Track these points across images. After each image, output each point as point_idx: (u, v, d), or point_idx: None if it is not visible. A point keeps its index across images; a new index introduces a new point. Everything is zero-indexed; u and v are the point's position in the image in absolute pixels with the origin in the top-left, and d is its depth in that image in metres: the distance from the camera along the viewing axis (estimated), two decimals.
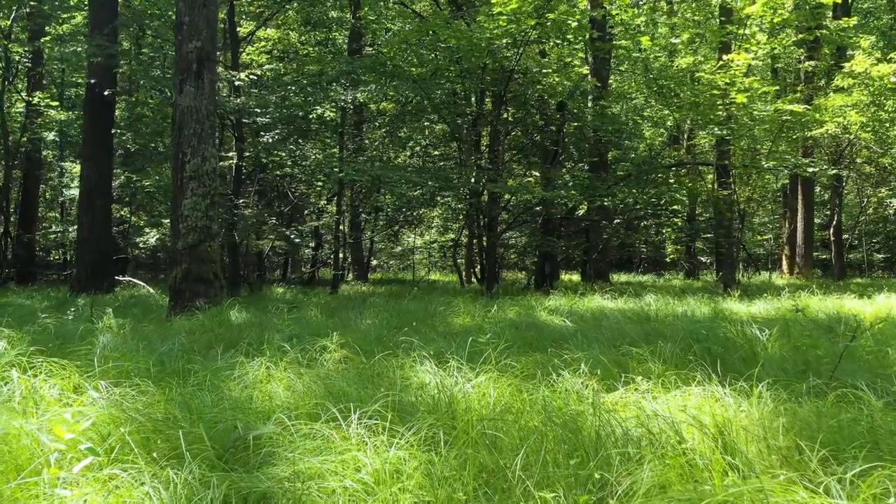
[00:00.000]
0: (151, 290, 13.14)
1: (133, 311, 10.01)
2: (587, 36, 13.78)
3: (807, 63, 14.63)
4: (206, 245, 8.69)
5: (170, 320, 7.98)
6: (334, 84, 16.51)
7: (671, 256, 35.30)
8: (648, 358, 5.05)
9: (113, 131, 15.27)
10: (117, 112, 19.89)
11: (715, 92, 12.64)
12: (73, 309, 8.39)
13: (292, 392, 3.78)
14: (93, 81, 14.81)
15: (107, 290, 13.73)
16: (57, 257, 24.59)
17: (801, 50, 21.86)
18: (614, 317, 8.78)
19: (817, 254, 26.87)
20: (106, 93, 14.44)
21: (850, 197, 28.44)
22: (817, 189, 25.59)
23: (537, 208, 17.48)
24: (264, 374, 4.24)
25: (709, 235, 15.85)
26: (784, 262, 25.95)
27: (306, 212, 23.49)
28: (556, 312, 8.82)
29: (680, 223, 24.64)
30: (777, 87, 14.02)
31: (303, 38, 21.77)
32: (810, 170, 13.18)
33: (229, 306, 8.25)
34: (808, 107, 12.57)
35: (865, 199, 27.46)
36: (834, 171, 15.25)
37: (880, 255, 30.62)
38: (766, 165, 12.62)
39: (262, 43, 20.74)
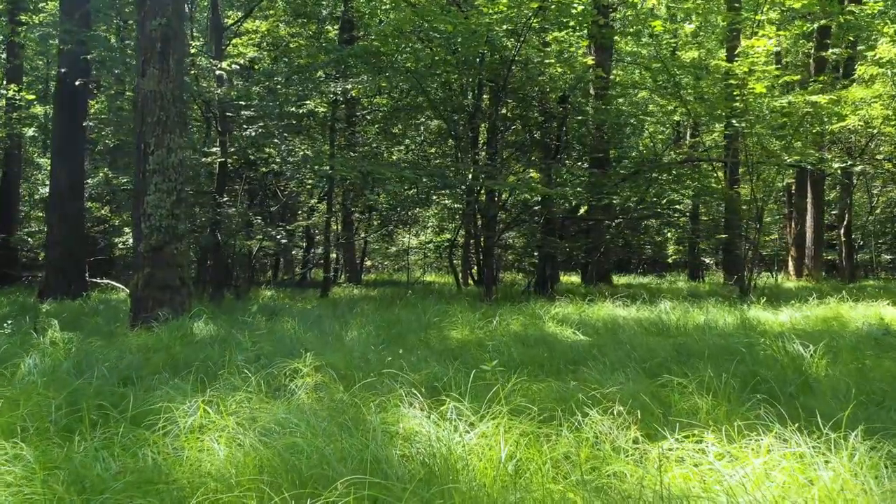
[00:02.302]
0: None
1: (95, 321, 9.04)
2: (590, 21, 12.83)
3: (829, 52, 13.73)
4: (171, 247, 7.71)
5: (126, 333, 7.02)
6: (322, 74, 15.53)
7: (673, 257, 34.35)
8: (692, 389, 4.09)
9: (86, 124, 14.24)
10: (97, 106, 18.87)
11: (732, 82, 11.70)
12: (10, 321, 7.39)
13: (235, 449, 2.82)
14: (63, 71, 13.80)
15: (76, 295, 12.73)
16: (45, 258, 23.51)
17: (811, 43, 20.96)
18: (630, 328, 7.84)
19: (823, 254, 25.95)
20: (77, 82, 13.42)
21: (856, 196, 27.54)
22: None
23: (536, 208, 16.57)
24: (203, 419, 3.26)
25: (722, 236, 14.89)
26: (790, 264, 25.03)
27: (299, 212, 22.48)
28: (566, 323, 7.88)
29: (682, 223, 23.72)
30: (799, 77, 13.09)
31: (293, 30, 20.77)
32: (835, 165, 12.27)
33: (194, 316, 7.28)
34: (833, 97, 11.65)
35: (875, 199, 26.56)
36: (859, 168, 14.34)
37: (888, 256, 29.77)
38: (787, 161, 11.71)
39: (251, 35, 19.75)
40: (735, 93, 11.87)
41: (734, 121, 11.60)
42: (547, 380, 4.73)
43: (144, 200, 7.68)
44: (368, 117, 20.27)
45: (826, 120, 13.45)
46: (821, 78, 12.17)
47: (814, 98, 11.24)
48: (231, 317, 8.06)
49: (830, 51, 13.84)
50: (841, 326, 8.16)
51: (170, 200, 7.73)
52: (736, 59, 11.58)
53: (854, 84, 13.37)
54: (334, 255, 24.36)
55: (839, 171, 14.05)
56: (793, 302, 10.02)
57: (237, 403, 3.77)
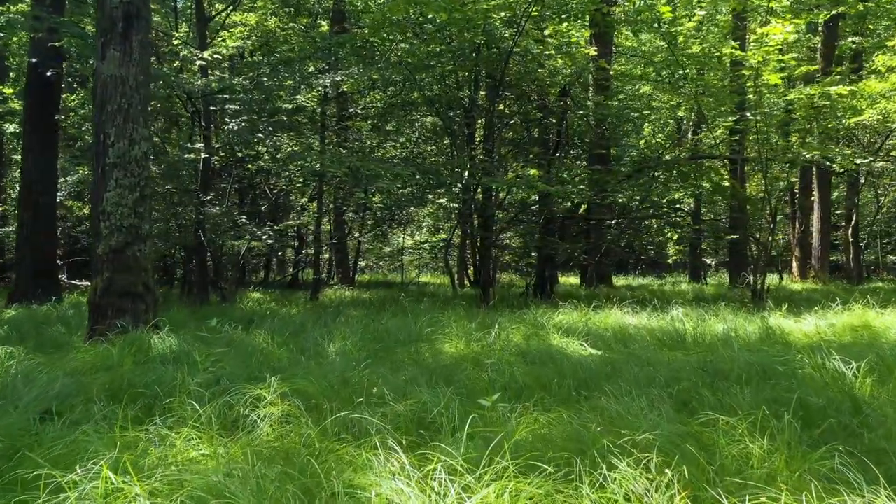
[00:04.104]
0: None
1: (55, 329, 8.26)
2: (593, 9, 12.08)
3: (849, 41, 12.98)
4: (133, 250, 6.93)
5: (79, 346, 6.24)
6: (310, 64, 14.74)
7: (673, 258, 33.58)
8: (743, 428, 3.33)
9: (58, 117, 13.41)
10: (76, 100, 18.03)
11: (745, 73, 10.96)
12: None
13: None
14: (34, 61, 13.00)
15: (44, 298, 11.92)
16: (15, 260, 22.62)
17: (817, 38, 20.23)
18: (643, 339, 7.10)
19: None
20: (49, 73, 12.64)
21: (861, 195, 26.79)
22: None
23: (533, 207, 15.86)
24: (109, 484, 2.49)
25: (734, 236, 14.15)
26: (794, 265, 24.33)
27: (292, 213, 21.69)
28: (571, 334, 7.12)
29: (685, 223, 22.99)
30: (817, 67, 12.36)
31: (285, 25, 19.98)
32: (857, 161, 11.56)
33: (157, 327, 6.50)
34: (854, 89, 10.93)
35: (882, 198, 25.85)
36: (880, 164, 13.59)
37: (894, 258, 29.09)
38: (807, 156, 10.96)
39: (241, 29, 18.96)
40: (748, 84, 11.13)
41: (748, 113, 10.85)
42: (557, 409, 3.98)
43: (104, 197, 6.89)
44: (361, 112, 19.51)
45: (841, 114, 12.73)
46: (838, 69, 11.45)
47: (833, 90, 10.50)
48: (201, 326, 7.28)
49: (850, 40, 13.10)
50: (873, 337, 7.43)
51: (132, 197, 6.94)
52: (750, 48, 10.85)
53: (873, 76, 12.63)
54: (327, 256, 23.61)
55: (860, 168, 13.22)
56: (816, 309, 9.28)
57: (169, 453, 3.00)
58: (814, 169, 20.79)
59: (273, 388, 4.07)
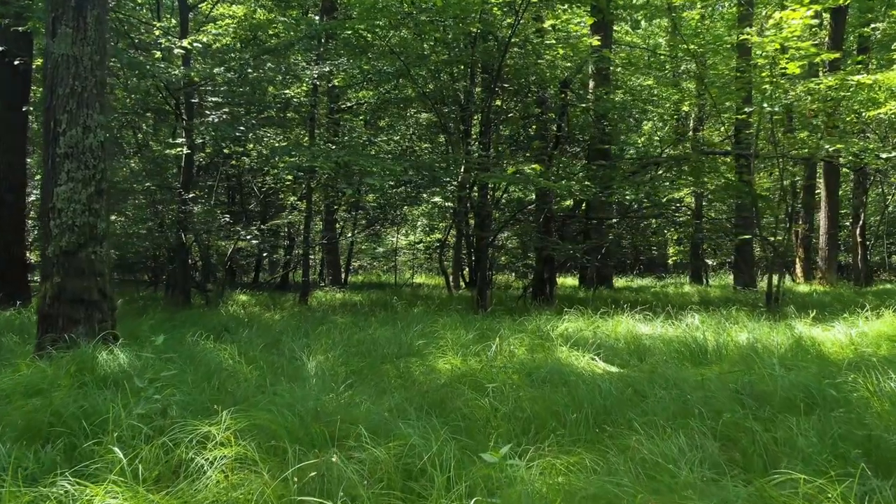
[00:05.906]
0: None
1: (7, 339, 7.46)
2: None
3: (870, 27, 12.30)
4: (88, 251, 6.14)
5: (17, 363, 5.45)
6: (298, 55, 13.97)
7: (673, 258, 32.82)
8: (835, 493, 2.57)
9: (26, 109, 12.56)
10: None
11: (761, 62, 10.23)
12: None
13: None
14: (1, 49, 12.17)
15: (9, 304, 11.10)
16: None
17: (824, 32, 19.54)
18: (660, 351, 6.35)
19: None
20: (17, 62, 11.82)
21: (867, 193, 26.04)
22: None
23: (530, 207, 15.11)
24: None
25: (746, 236, 13.43)
26: (797, 265, 23.64)
27: (283, 212, 20.92)
28: (580, 345, 6.36)
29: (689, 222, 22.25)
30: (839, 55, 11.64)
31: (275, 17, 19.17)
32: (883, 156, 10.85)
33: (102, 341, 5.70)
34: (879, 77, 10.22)
35: (889, 196, 25.17)
36: None
37: None
38: (829, 149, 10.24)
39: (227, 21, 18.15)
40: (763, 74, 10.40)
41: (765, 105, 10.11)
42: (577, 451, 3.22)
43: (54, 192, 6.11)
44: (353, 108, 18.73)
45: (858, 106, 12.01)
46: (858, 58, 10.73)
47: (856, 79, 9.78)
48: (173, 336, 6.47)
49: (872, 27, 12.38)
50: None
51: (86, 192, 6.15)
52: (766, 34, 10.12)
53: (895, 66, 11.92)
54: (319, 256, 22.83)
55: (881, 164, 12.48)
56: (845, 315, 8.53)
57: None
58: (818, 166, 20.10)
59: (225, 423, 3.30)
